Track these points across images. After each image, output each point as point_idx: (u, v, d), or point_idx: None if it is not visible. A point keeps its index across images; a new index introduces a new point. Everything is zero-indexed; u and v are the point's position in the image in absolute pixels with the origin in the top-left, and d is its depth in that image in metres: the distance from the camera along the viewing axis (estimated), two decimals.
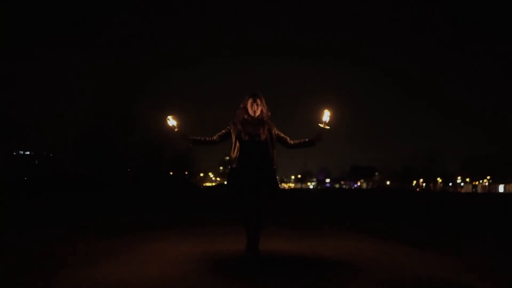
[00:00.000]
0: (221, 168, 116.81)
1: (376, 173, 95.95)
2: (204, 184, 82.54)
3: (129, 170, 39.86)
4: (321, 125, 3.60)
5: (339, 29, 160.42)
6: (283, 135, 3.68)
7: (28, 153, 45.86)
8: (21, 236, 4.90)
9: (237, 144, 3.51)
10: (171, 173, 47.81)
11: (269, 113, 3.62)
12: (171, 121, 3.56)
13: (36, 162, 47.92)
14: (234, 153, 3.51)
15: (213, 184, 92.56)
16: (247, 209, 3.50)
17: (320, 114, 3.62)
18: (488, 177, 66.71)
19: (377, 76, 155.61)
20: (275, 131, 3.63)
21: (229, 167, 3.59)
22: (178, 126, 3.57)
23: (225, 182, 3.73)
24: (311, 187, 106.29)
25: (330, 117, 3.58)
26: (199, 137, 3.62)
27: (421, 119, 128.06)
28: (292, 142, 3.69)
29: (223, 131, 3.62)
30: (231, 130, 3.59)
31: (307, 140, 3.69)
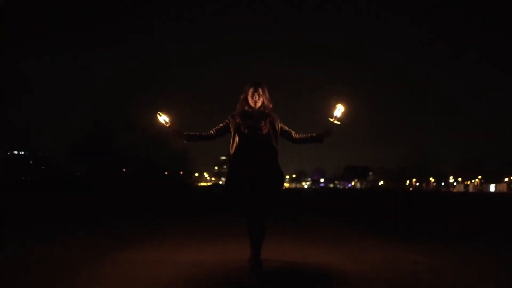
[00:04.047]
0: (216, 168, 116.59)
1: (370, 173, 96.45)
2: (199, 184, 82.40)
3: (124, 170, 39.89)
4: (332, 120, 3.29)
5: (338, 28, 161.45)
6: (287, 129, 3.37)
7: (22, 153, 45.59)
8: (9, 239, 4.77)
9: (236, 138, 3.20)
10: (166, 173, 47.86)
11: (271, 105, 3.30)
12: (162, 117, 3.30)
13: (31, 162, 47.66)
14: (233, 149, 3.21)
15: (208, 183, 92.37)
16: (250, 214, 3.11)
17: (332, 108, 3.29)
18: (480, 177, 67.45)
19: (375, 75, 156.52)
20: (279, 124, 3.31)
21: (225, 166, 3.36)
22: (170, 122, 3.30)
23: (223, 181, 3.39)
24: (305, 186, 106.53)
25: (343, 112, 3.28)
26: (194, 132, 3.33)
27: (417, 119, 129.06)
28: (297, 136, 3.37)
29: (221, 124, 3.32)
30: (230, 124, 3.28)
31: (314, 135, 3.37)
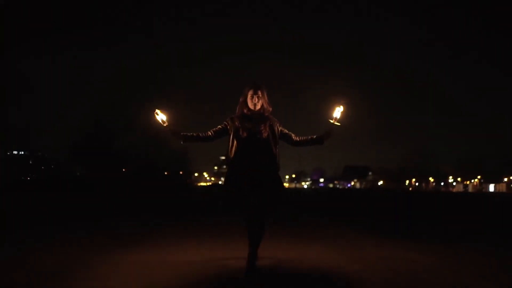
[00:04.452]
0: (215, 168, 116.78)
1: (370, 173, 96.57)
2: (199, 184, 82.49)
3: (124, 170, 39.93)
4: (332, 121, 3.28)
5: (338, 28, 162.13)
6: (287, 132, 3.33)
7: (22, 153, 45.62)
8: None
9: (235, 142, 3.15)
10: (166, 173, 47.90)
11: (270, 108, 3.28)
12: (160, 116, 3.21)
13: (31, 162, 47.71)
14: (232, 153, 3.16)
15: (208, 183, 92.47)
16: (250, 214, 3.09)
17: (331, 109, 3.29)
18: (479, 177, 67.58)
19: (375, 75, 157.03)
20: (278, 127, 3.28)
21: (225, 167, 3.28)
22: (168, 121, 3.22)
23: (223, 181, 3.30)
24: (305, 186, 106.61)
25: (342, 113, 3.27)
26: (191, 133, 3.26)
27: (417, 119, 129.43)
28: (297, 139, 3.34)
29: (219, 126, 3.27)
30: (228, 127, 3.24)
31: (314, 137, 3.34)
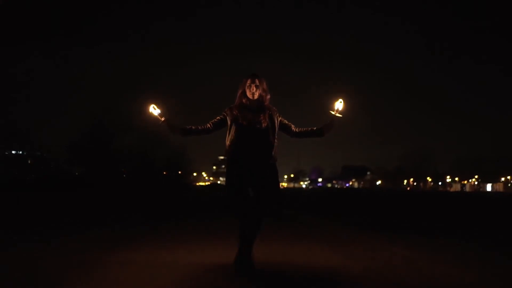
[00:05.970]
0: (214, 167, 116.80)
1: (368, 173, 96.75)
2: (198, 183, 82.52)
3: (123, 170, 39.95)
4: (333, 113, 3.20)
5: (338, 28, 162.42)
6: (286, 122, 3.28)
7: (20, 152, 45.51)
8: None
9: (234, 130, 3.11)
10: (164, 173, 47.93)
11: (268, 96, 3.20)
12: (155, 110, 3.18)
13: (29, 162, 47.62)
14: (230, 141, 3.11)
15: (207, 183, 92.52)
16: (247, 213, 3.03)
17: (333, 101, 3.23)
18: (476, 176, 67.83)
19: (375, 75, 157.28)
20: (278, 117, 3.22)
21: (225, 158, 3.16)
22: (164, 115, 3.19)
23: (221, 179, 3.31)
24: (303, 186, 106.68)
25: (344, 105, 3.21)
26: (189, 126, 3.24)
27: (417, 119, 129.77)
28: (297, 130, 3.29)
29: (218, 117, 3.24)
30: (227, 116, 3.20)
31: (315, 128, 3.28)
